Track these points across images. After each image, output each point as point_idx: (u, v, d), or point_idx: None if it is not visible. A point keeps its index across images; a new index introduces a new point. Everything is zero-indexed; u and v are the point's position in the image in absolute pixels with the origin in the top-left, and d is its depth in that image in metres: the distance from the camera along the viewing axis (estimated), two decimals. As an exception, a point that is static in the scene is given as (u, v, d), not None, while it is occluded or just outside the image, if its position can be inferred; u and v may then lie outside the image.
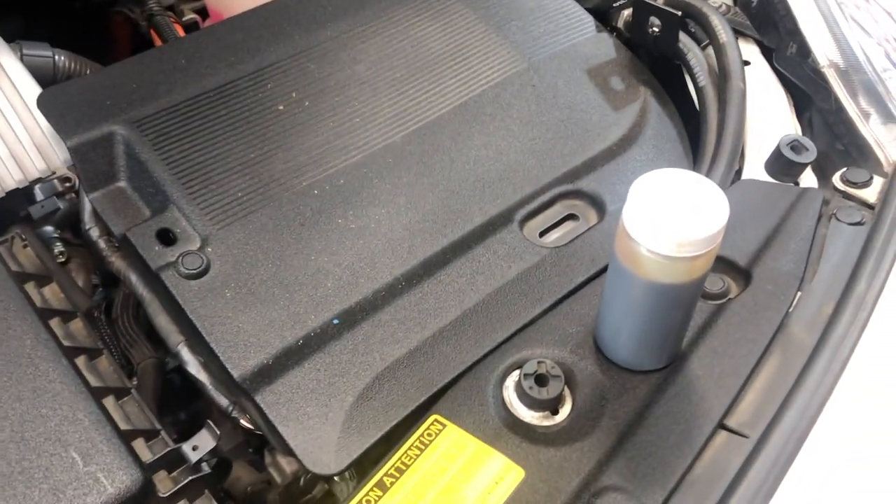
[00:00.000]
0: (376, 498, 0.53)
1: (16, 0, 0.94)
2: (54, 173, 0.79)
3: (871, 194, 0.71)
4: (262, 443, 0.72)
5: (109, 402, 0.63)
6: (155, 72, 0.79)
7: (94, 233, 0.74)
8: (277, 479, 0.71)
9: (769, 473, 0.52)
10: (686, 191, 0.51)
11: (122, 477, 0.56)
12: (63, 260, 0.78)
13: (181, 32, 0.95)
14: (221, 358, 0.62)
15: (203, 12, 1.03)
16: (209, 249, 0.68)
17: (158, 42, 0.95)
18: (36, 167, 0.78)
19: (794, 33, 0.82)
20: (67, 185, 0.79)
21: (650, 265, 0.51)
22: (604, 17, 0.94)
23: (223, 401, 0.67)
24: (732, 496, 0.51)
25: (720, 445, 0.55)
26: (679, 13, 0.84)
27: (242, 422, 0.67)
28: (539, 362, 0.58)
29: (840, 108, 0.77)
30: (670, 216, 0.49)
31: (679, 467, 0.53)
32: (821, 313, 0.62)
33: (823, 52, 0.80)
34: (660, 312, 0.54)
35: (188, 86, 0.78)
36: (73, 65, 0.87)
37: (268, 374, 0.62)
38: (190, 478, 0.59)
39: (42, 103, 0.75)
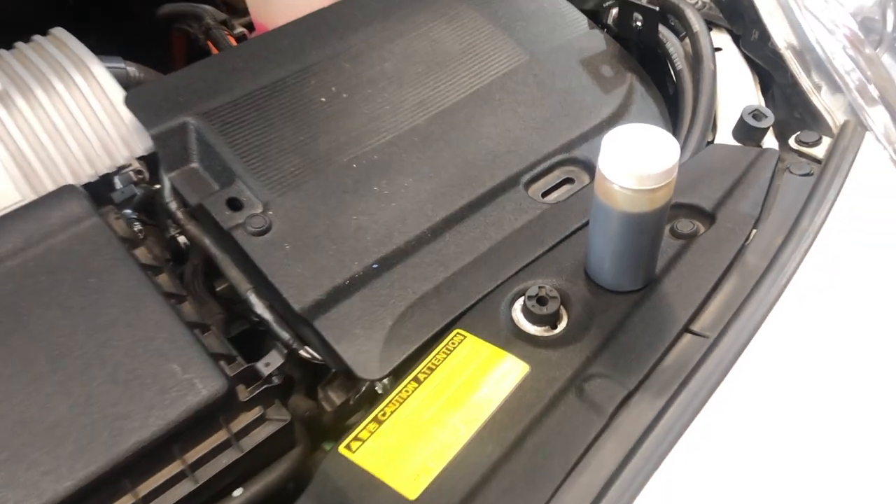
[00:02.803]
0: (413, 389, 0.68)
1: (91, 22, 1.11)
2: (131, 165, 0.95)
3: (819, 151, 0.85)
4: (315, 376, 0.87)
5: (196, 334, 0.78)
6: (217, 73, 0.95)
7: (173, 206, 0.89)
8: (328, 408, 0.86)
9: (722, 364, 0.66)
10: (646, 140, 0.65)
11: (213, 383, 0.70)
12: (141, 237, 0.94)
13: (233, 42, 1.11)
14: (285, 295, 0.77)
15: (250, 26, 1.19)
16: (270, 213, 0.83)
17: (215, 51, 1.11)
18: (121, 156, 0.93)
19: (757, 22, 0.96)
20: (140, 176, 0.94)
21: (622, 198, 0.65)
22: (595, 16, 1.09)
23: (285, 335, 0.81)
24: (692, 379, 0.65)
25: (685, 344, 0.69)
26: (658, 8, 0.99)
27: (301, 352, 0.82)
28: (540, 287, 0.73)
29: (795, 83, 0.91)
30: (633, 158, 0.64)
31: (652, 359, 0.67)
32: (772, 244, 0.75)
33: (782, 36, 0.94)
34: (632, 238, 0.69)
35: (245, 83, 0.94)
36: (141, 74, 1.04)
37: (322, 306, 0.77)
38: (264, 387, 0.74)
39: (128, 101, 0.91)
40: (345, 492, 0.62)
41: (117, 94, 0.94)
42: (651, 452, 0.60)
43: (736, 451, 0.62)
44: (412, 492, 0.60)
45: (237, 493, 0.74)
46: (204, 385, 0.70)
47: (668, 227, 0.79)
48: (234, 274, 0.85)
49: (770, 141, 0.90)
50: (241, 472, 0.74)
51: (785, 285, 0.71)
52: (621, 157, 0.64)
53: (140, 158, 0.94)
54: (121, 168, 0.94)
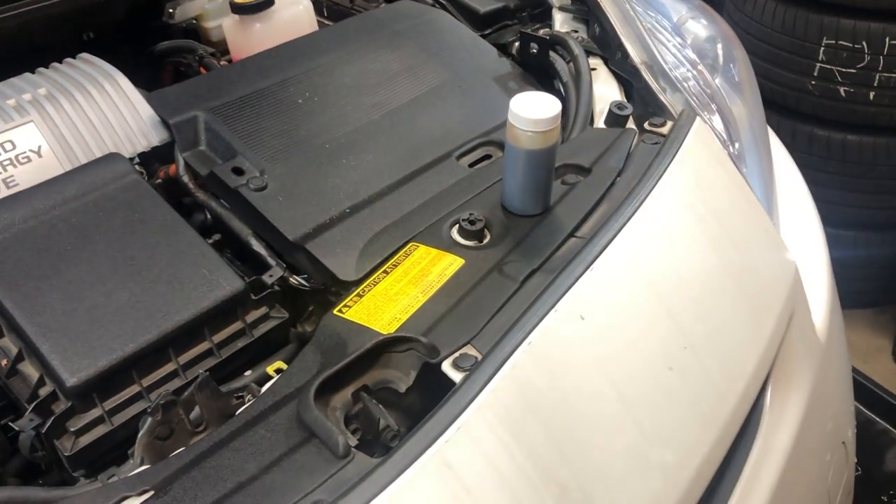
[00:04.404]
0: (383, 277, 0.96)
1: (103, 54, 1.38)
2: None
3: (664, 130, 1.18)
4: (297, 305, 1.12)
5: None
6: (218, 82, 1.23)
7: (186, 178, 1.16)
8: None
9: (593, 252, 0.96)
10: (538, 100, 0.97)
11: (234, 283, 0.95)
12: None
13: (221, 69, 1.40)
14: (281, 230, 1.03)
15: (230, 62, 1.48)
16: (266, 176, 1.10)
17: (206, 75, 1.40)
18: (141, 145, 1.20)
19: (620, 46, 1.31)
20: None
21: (524, 139, 0.96)
22: (503, 48, 1.43)
23: (275, 264, 1.07)
24: (574, 261, 0.94)
25: (571, 244, 0.99)
26: (548, 38, 1.33)
27: (291, 279, 1.07)
28: (470, 213, 1.02)
29: (647, 87, 1.26)
30: (531, 110, 0.95)
31: (549, 250, 0.97)
32: (630, 184, 1.07)
33: (637, 55, 1.30)
34: (532, 170, 0.99)
35: (240, 89, 1.22)
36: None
37: (310, 236, 1.03)
38: (268, 291, 1.00)
39: (150, 100, 1.18)
40: (339, 335, 0.88)
41: (138, 98, 1.21)
42: (545, 301, 0.89)
43: (595, 305, 0.91)
44: (387, 331, 0.87)
45: (247, 373, 0.99)
46: (227, 284, 0.96)
47: (559, 180, 1.10)
48: (237, 224, 1.11)
49: (631, 127, 1.24)
50: (250, 357, 0.99)
51: (637, 207, 1.02)
52: (524, 109, 0.95)
53: (139, 161, 1.19)
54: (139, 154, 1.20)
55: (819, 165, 2.54)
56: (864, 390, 2.24)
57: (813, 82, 2.44)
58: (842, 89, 2.43)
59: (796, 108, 2.51)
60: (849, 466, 1.24)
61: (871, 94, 2.40)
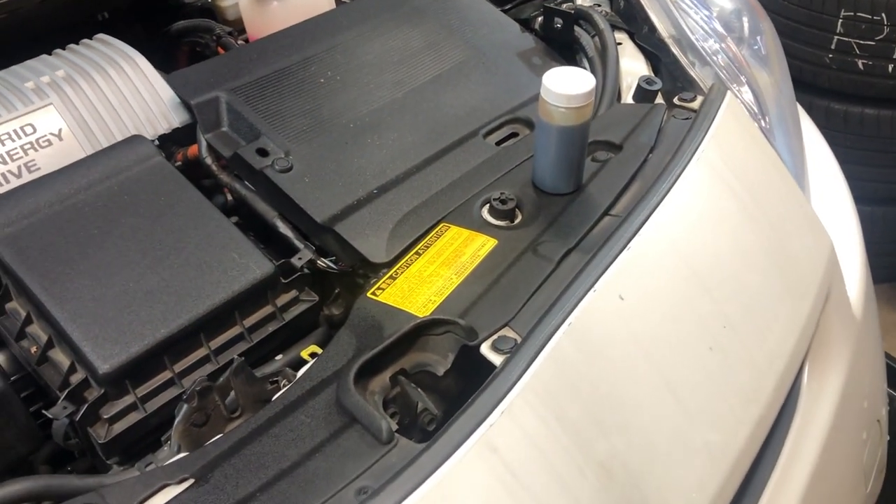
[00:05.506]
0: (415, 259, 0.94)
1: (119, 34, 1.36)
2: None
3: (695, 105, 1.16)
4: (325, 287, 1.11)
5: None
6: (237, 62, 1.21)
7: (209, 160, 1.13)
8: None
9: (628, 231, 0.93)
10: (572, 75, 0.94)
11: (264, 266, 0.94)
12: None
13: (239, 47, 1.38)
14: (309, 212, 1.02)
15: (247, 41, 1.46)
16: (291, 157, 1.08)
17: (224, 54, 1.37)
18: (162, 126, 1.17)
19: (646, 20, 1.29)
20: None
21: (557, 115, 0.94)
22: (525, 23, 1.40)
23: (304, 246, 1.05)
24: (611, 239, 0.93)
25: (605, 223, 0.97)
26: (573, 12, 1.31)
27: (318, 263, 1.06)
28: (501, 193, 1.00)
29: (676, 61, 1.24)
30: (565, 85, 0.93)
31: (584, 230, 0.95)
32: (662, 161, 1.05)
33: (665, 29, 1.27)
34: (565, 147, 0.97)
35: (260, 69, 1.19)
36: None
37: (338, 218, 1.01)
38: (298, 274, 0.98)
39: (170, 81, 1.16)
40: (374, 317, 0.87)
41: (157, 79, 1.18)
42: (583, 282, 0.87)
43: (634, 285, 0.89)
44: (423, 313, 0.86)
45: (278, 357, 0.98)
46: (257, 267, 0.94)
47: (590, 157, 1.08)
48: (262, 206, 1.09)
49: (660, 102, 1.21)
50: (280, 341, 0.97)
51: (672, 185, 1.00)
52: (557, 85, 0.93)
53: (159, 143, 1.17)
54: (159, 136, 1.18)
55: (836, 140, 2.48)
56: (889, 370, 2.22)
57: (830, 55, 2.40)
58: (860, 62, 2.39)
59: (813, 81, 2.47)
60: (882, 444, 1.22)
61: (891, 67, 2.36)
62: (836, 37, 2.38)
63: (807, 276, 1.04)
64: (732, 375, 0.89)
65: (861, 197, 2.55)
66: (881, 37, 2.32)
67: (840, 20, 2.35)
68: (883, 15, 2.29)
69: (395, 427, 0.75)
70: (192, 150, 1.15)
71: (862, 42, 2.35)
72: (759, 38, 1.40)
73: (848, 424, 1.07)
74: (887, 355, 2.34)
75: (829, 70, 2.43)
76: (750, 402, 0.88)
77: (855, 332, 1.13)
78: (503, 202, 0.99)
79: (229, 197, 1.14)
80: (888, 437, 1.28)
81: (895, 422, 1.55)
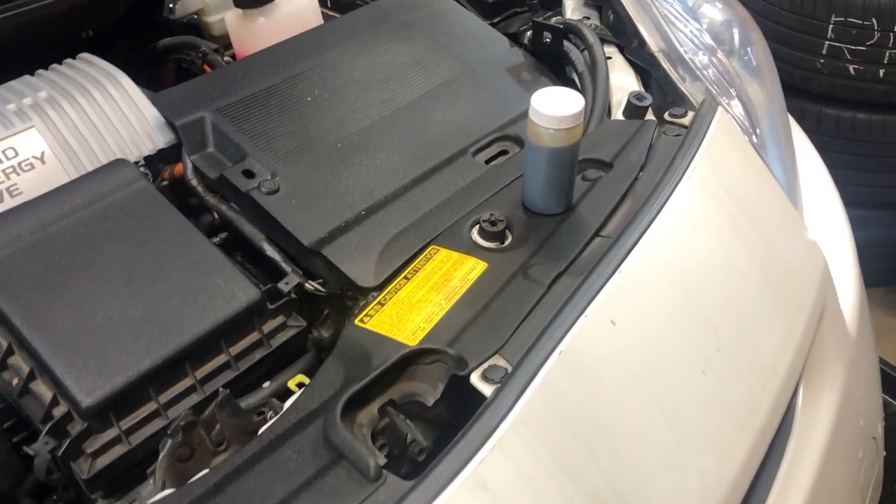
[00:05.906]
0: (404, 284, 0.92)
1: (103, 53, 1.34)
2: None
3: (685, 121, 1.15)
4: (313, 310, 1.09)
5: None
6: (223, 80, 1.19)
7: (194, 182, 1.12)
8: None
9: (620, 253, 0.92)
10: (561, 96, 0.93)
11: (250, 292, 0.92)
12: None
13: (225, 65, 1.36)
14: (296, 235, 1.00)
15: (233, 57, 1.44)
16: (277, 178, 1.06)
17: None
18: (146, 147, 1.16)
19: (636, 34, 1.27)
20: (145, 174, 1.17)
21: (547, 136, 0.93)
22: (514, 38, 1.39)
23: (291, 270, 1.04)
24: (602, 261, 0.91)
25: (596, 244, 0.96)
26: (562, 27, 1.29)
27: (306, 285, 1.04)
28: (490, 214, 0.99)
29: (666, 76, 1.22)
30: (554, 106, 0.91)
31: (575, 252, 0.94)
32: (653, 179, 1.04)
33: (654, 43, 1.26)
34: (555, 168, 0.96)
35: (246, 88, 1.18)
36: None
37: (326, 241, 1.00)
38: (285, 299, 0.97)
39: (155, 101, 1.14)
40: (362, 346, 0.85)
41: (142, 99, 1.17)
42: (574, 307, 0.86)
43: (626, 309, 0.88)
44: (412, 341, 0.84)
45: (265, 384, 0.96)
46: (243, 293, 0.93)
47: (580, 175, 1.06)
48: (249, 229, 1.07)
49: (650, 118, 1.20)
50: (268, 367, 0.96)
51: (663, 204, 0.99)
52: (545, 107, 0.91)
53: (145, 163, 1.15)
54: (145, 157, 1.16)
55: (828, 145, 2.49)
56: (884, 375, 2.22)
57: (822, 60, 2.40)
58: (851, 67, 2.38)
59: (804, 87, 2.47)
60: (878, 461, 1.21)
61: (881, 72, 2.36)
62: (827, 42, 2.38)
63: (801, 294, 1.03)
64: (726, 400, 0.88)
65: (853, 201, 2.55)
66: (872, 42, 2.32)
67: (831, 25, 2.35)
68: (874, 20, 2.29)
69: (383, 461, 0.73)
70: (179, 168, 1.13)
71: (853, 47, 2.35)
72: (749, 49, 1.39)
73: (844, 444, 1.06)
74: (882, 361, 2.34)
75: (821, 75, 2.43)
76: (744, 426, 0.87)
77: (850, 350, 1.12)
78: (493, 223, 0.98)
79: (217, 216, 1.13)
80: (884, 453, 1.27)
81: (891, 433, 1.54)
